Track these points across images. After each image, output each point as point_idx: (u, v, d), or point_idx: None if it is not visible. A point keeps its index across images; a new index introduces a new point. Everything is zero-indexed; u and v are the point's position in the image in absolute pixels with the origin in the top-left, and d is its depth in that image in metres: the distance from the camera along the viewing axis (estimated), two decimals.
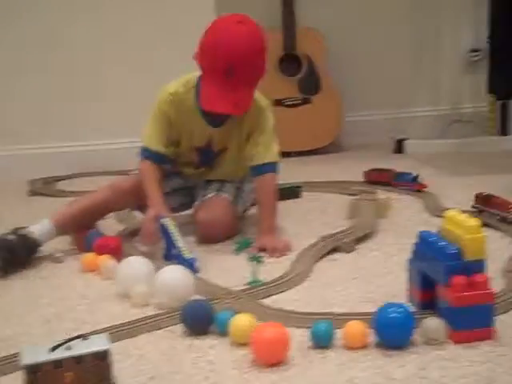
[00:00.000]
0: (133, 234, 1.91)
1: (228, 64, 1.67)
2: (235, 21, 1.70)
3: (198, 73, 1.79)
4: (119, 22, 2.83)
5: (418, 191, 2.17)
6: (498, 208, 1.84)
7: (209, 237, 1.81)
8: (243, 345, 1.21)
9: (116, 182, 1.89)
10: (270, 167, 1.83)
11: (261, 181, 1.84)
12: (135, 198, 1.85)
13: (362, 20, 3.11)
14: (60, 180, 2.69)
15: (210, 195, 1.87)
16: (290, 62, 3.04)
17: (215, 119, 1.82)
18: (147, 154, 1.83)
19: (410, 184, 2.21)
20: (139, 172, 1.86)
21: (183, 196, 1.96)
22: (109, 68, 2.84)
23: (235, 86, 1.68)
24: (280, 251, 1.71)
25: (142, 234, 1.76)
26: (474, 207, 1.89)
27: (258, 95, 1.83)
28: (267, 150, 1.83)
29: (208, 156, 1.90)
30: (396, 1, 3.11)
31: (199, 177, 1.95)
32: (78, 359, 1.04)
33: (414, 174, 2.23)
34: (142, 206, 1.86)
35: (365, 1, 3.11)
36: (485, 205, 1.89)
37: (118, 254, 1.66)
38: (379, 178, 2.30)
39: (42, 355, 1.03)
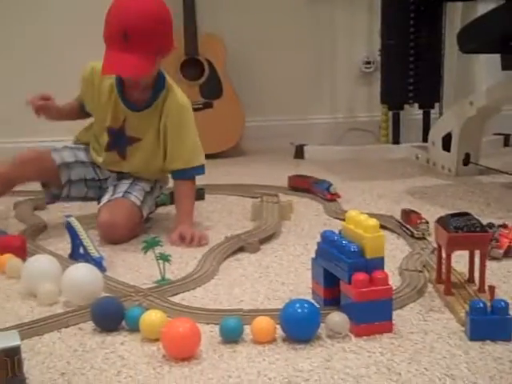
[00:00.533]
0: (36, 233, 1.89)
1: (122, 27, 1.69)
2: None
3: None
4: None
5: (331, 201, 2.16)
6: (409, 222, 1.87)
7: (109, 239, 1.81)
8: (154, 341, 1.23)
9: (18, 154, 1.90)
10: (196, 171, 1.88)
11: (181, 186, 1.88)
12: (37, 171, 1.89)
13: (261, 27, 3.19)
14: None
15: (117, 195, 1.87)
16: (192, 66, 3.07)
17: (134, 103, 1.84)
18: None
19: (324, 192, 2.20)
20: None
21: (92, 188, 1.96)
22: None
23: (132, 49, 1.69)
24: (198, 240, 1.76)
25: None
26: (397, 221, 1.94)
27: (179, 93, 1.86)
28: (189, 151, 1.86)
29: (120, 140, 1.89)
30: (295, 9, 3.21)
31: (111, 165, 1.94)
32: None
33: (329, 183, 2.23)
34: (45, 184, 1.87)
35: (264, 8, 3.18)
36: (404, 220, 1.92)
37: (22, 253, 1.64)
38: (301, 184, 2.32)
39: None
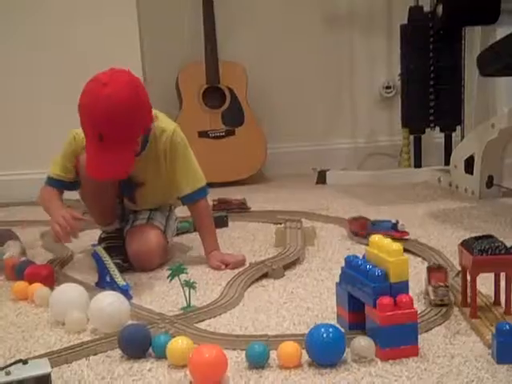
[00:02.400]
0: (63, 262, 1.91)
1: (95, 130, 1.66)
2: (101, 82, 1.66)
3: None
4: None
5: (400, 239, 1.89)
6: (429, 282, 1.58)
7: (142, 267, 1.83)
8: (181, 367, 1.24)
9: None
10: (200, 193, 1.89)
11: (195, 208, 1.90)
12: None
13: (281, 54, 3.23)
14: None
15: (140, 222, 1.90)
16: (214, 94, 3.12)
17: None
18: (49, 181, 1.88)
19: (389, 232, 1.95)
20: (39, 196, 1.89)
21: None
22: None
23: (110, 148, 1.65)
24: (240, 263, 1.82)
25: (56, 226, 1.74)
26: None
27: (164, 122, 1.86)
28: (191, 177, 1.88)
29: (128, 188, 1.92)
30: (314, 35, 3.24)
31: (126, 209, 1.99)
32: (20, 383, 1.04)
33: (393, 221, 2.03)
34: None
35: (284, 35, 3.23)
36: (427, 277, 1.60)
37: (50, 282, 1.66)
38: (360, 228, 2.08)
39: None
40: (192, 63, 3.12)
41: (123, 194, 1.94)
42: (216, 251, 1.89)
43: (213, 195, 2.71)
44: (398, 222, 2.01)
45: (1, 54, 2.86)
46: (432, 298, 1.49)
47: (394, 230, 1.99)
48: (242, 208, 2.47)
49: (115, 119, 1.64)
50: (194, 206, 1.90)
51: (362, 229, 2.06)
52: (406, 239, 1.96)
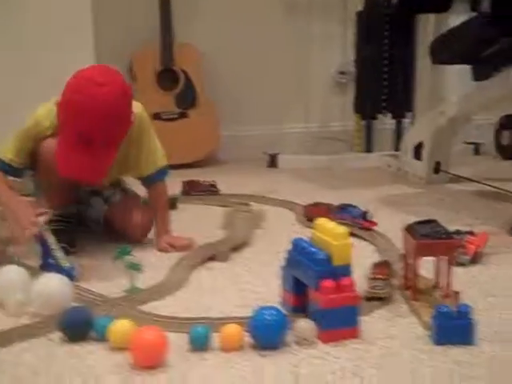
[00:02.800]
0: (5, 243, 1.88)
1: (85, 133, 1.61)
2: (96, 81, 1.60)
3: None
4: None
5: (368, 229, 1.92)
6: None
7: (141, 239, 1.87)
8: (122, 349, 1.23)
9: None
10: (160, 174, 1.89)
11: (154, 189, 1.90)
12: None
13: (237, 37, 3.20)
14: None
15: (121, 195, 1.93)
16: (168, 76, 3.08)
17: None
18: (1, 166, 1.79)
19: (357, 220, 1.95)
20: None
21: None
22: None
23: (95, 153, 1.61)
24: (188, 247, 1.81)
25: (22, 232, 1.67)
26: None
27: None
28: (155, 156, 1.87)
29: None
30: (271, 19, 3.23)
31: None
32: None
33: (363, 209, 2.00)
34: None
35: (241, 18, 3.20)
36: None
37: None
38: (319, 214, 1.86)
39: None
40: (146, 45, 3.08)
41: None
42: (166, 234, 1.88)
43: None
44: (367, 211, 1.98)
45: None
46: (367, 289, 1.44)
47: (362, 219, 1.96)
48: (211, 191, 2.41)
49: (107, 123, 1.60)
50: (153, 186, 1.90)
51: (321, 215, 1.89)
52: (373, 229, 1.92)
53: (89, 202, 1.95)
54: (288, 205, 2.27)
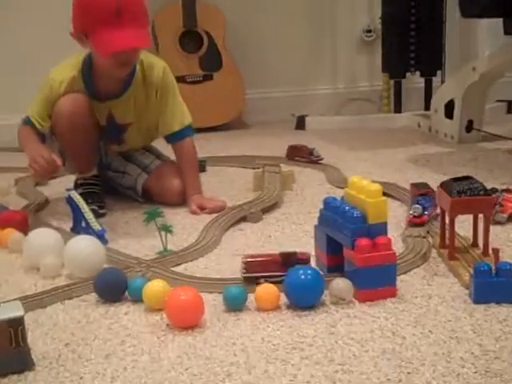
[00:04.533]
0: (38, 208, 1.88)
1: (114, 5, 1.63)
2: None
3: (81, 55, 1.79)
4: None
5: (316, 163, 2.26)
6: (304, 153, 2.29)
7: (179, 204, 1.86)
8: (157, 310, 1.23)
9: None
10: (187, 131, 1.89)
11: (180, 147, 1.90)
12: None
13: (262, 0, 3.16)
14: None
15: (158, 162, 1.93)
16: (191, 38, 3.04)
17: (107, 95, 1.82)
18: (28, 121, 1.81)
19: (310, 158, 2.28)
20: (18, 134, 1.83)
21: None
22: None
23: (128, 24, 1.64)
24: (219, 207, 1.80)
25: (35, 165, 1.70)
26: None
27: (150, 56, 1.85)
28: (180, 114, 1.87)
29: (115, 132, 1.89)
30: None
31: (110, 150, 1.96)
32: None
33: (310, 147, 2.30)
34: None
35: None
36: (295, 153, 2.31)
37: (24, 227, 1.63)
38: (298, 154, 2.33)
39: None
40: (168, 5, 3.03)
41: (110, 139, 1.91)
42: (197, 195, 1.86)
43: None
44: (313, 148, 2.30)
45: None
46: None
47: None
48: (313, 161, 2.29)
49: None
50: (180, 144, 1.89)
51: (301, 155, 2.32)
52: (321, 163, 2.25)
53: (125, 170, 1.95)
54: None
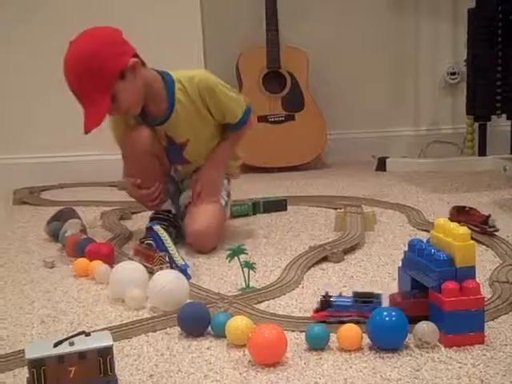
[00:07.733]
0: (122, 241, 1.93)
1: (70, 88, 1.72)
2: (71, 41, 1.74)
3: None
4: None
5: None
6: (475, 220, 1.86)
7: (201, 248, 1.82)
8: (239, 346, 1.23)
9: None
10: (243, 119, 1.93)
11: (238, 130, 1.96)
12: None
13: (343, 39, 3.19)
14: (45, 190, 2.70)
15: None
16: (274, 79, 3.09)
17: (157, 115, 1.86)
18: None
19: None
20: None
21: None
22: None
23: (85, 103, 1.72)
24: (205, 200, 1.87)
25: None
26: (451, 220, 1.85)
27: (186, 72, 1.87)
28: (234, 108, 1.90)
29: (175, 153, 1.93)
30: (378, 20, 3.18)
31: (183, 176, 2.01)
32: (82, 354, 1.04)
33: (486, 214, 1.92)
34: None
35: (346, 19, 3.18)
36: (461, 217, 1.88)
37: (110, 260, 1.67)
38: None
39: (46, 350, 1.04)
40: (253, 47, 3.10)
41: (173, 162, 1.96)
42: (211, 169, 1.92)
43: (271, 179, 2.72)
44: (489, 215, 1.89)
45: None
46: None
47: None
48: (487, 232, 1.86)
49: (76, 72, 1.69)
50: (242, 128, 1.95)
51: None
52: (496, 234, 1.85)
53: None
54: (399, 207, 2.22)
